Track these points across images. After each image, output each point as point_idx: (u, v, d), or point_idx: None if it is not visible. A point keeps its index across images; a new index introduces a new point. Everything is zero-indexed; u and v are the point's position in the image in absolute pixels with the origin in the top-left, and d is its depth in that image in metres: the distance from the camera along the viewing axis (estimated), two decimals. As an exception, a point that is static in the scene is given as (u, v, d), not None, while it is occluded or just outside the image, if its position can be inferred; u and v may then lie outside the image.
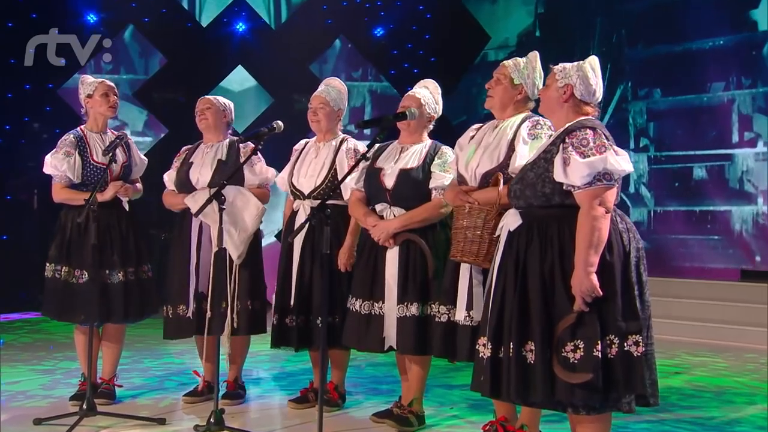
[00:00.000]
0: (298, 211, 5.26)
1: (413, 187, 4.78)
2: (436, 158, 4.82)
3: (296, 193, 5.30)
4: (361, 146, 5.26)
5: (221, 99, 5.63)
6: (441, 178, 4.74)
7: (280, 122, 5.03)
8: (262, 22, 10.92)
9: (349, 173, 4.68)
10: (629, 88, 10.63)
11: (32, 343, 7.90)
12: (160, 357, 7.11)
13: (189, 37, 10.68)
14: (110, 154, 5.13)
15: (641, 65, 10.53)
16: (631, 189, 10.44)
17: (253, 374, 6.29)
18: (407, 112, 4.81)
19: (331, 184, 5.17)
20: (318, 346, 5.07)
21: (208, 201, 4.71)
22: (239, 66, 10.81)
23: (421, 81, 5.05)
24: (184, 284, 5.35)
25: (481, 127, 4.53)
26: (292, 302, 5.17)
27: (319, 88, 5.41)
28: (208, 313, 5.22)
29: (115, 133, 5.56)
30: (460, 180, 4.41)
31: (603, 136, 3.64)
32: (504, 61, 4.50)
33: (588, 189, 3.58)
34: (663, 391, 6.02)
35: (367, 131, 9.32)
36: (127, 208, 5.43)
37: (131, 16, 10.59)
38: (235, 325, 5.26)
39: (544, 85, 3.93)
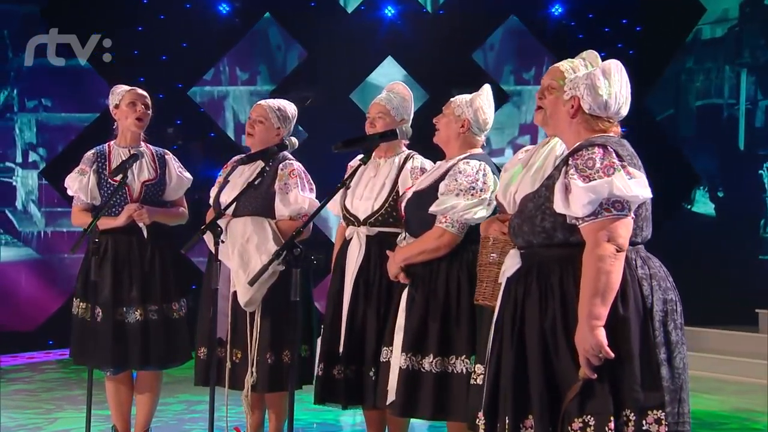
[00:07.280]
0: (351, 239, 5.06)
1: (421, 212, 4.57)
2: (447, 176, 4.54)
3: (349, 218, 5.10)
4: (428, 164, 5.02)
5: (282, 108, 5.31)
6: (442, 201, 4.48)
7: (294, 138, 4.90)
8: (416, 5, 10.85)
9: (329, 200, 4.49)
10: None
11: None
12: (240, 404, 7.09)
13: (332, 25, 10.72)
14: (120, 175, 5.14)
15: None
16: None
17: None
18: (397, 130, 4.64)
19: (392, 209, 4.97)
20: (371, 404, 4.92)
21: (201, 233, 4.61)
22: (389, 57, 10.76)
23: None
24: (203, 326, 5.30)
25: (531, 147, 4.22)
26: (341, 349, 4.99)
27: (380, 95, 5.21)
28: (228, 363, 5.15)
29: (151, 148, 5.57)
30: (500, 209, 4.14)
31: (614, 155, 3.32)
32: (558, 63, 4.11)
33: (593, 221, 3.29)
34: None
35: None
36: (145, 234, 5.36)
37: (267, 3, 10.80)
38: (253, 380, 5.15)
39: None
